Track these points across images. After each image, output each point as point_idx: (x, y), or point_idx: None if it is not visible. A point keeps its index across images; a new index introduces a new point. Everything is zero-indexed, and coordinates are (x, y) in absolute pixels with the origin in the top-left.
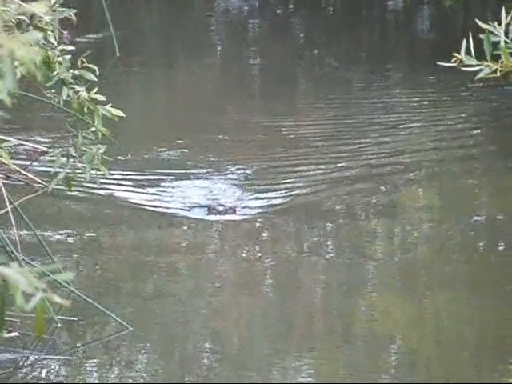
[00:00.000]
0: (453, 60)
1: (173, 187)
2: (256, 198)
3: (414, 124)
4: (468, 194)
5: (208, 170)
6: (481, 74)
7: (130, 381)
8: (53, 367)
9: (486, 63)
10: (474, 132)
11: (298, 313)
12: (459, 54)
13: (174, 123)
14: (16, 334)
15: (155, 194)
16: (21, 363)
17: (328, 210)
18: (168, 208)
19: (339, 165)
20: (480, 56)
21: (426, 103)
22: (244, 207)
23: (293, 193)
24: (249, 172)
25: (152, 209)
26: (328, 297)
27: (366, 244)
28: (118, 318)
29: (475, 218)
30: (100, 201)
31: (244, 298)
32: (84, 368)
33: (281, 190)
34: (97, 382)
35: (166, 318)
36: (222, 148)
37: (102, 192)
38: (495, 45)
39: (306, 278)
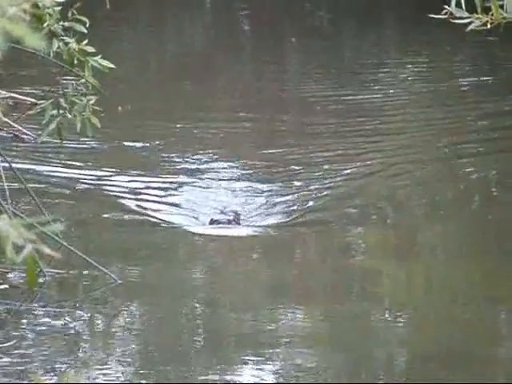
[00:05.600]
0: (443, 12)
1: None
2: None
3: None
4: (462, 155)
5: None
6: (471, 27)
7: (118, 332)
8: (42, 319)
9: (476, 16)
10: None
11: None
12: (449, 6)
13: (164, 74)
14: (6, 286)
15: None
16: (11, 315)
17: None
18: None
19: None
20: (471, 9)
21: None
22: (249, 217)
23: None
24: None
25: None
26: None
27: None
28: (107, 271)
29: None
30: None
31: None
32: (73, 320)
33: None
34: (86, 333)
35: (153, 271)
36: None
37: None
38: None
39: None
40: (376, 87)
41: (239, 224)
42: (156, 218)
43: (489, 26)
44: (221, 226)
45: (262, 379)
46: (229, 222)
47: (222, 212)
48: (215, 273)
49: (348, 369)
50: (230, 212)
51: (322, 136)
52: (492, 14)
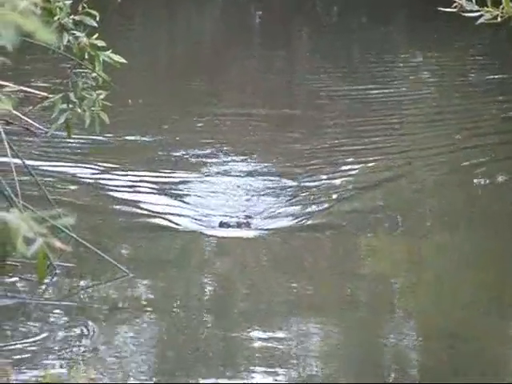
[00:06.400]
0: (453, 6)
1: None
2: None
3: None
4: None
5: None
6: (481, 20)
7: (129, 324)
8: (53, 312)
9: (486, 9)
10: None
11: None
12: None
13: (175, 68)
14: (16, 278)
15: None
16: (21, 308)
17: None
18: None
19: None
20: (481, 2)
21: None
22: (261, 219)
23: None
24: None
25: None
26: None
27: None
28: (118, 264)
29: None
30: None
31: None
32: (83, 313)
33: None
34: (97, 326)
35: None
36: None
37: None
38: None
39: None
40: (386, 82)
41: (249, 227)
42: (164, 217)
43: (499, 20)
44: (230, 229)
45: (272, 353)
46: (238, 225)
47: (231, 214)
48: (222, 275)
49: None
50: (240, 214)
51: (333, 131)
52: (503, 8)
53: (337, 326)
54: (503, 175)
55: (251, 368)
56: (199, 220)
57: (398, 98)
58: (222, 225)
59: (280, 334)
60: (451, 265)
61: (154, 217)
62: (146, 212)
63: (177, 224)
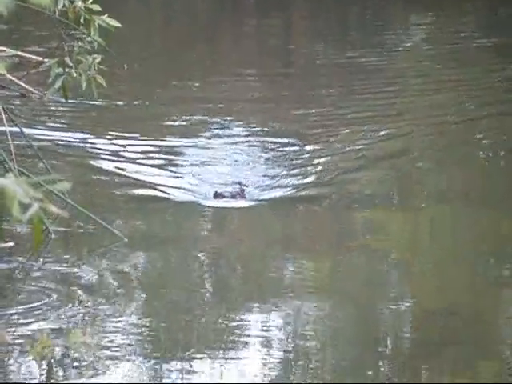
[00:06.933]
0: None
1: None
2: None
3: None
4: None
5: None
6: None
7: (125, 288)
8: (49, 276)
9: None
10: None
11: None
12: None
13: (171, 34)
14: (12, 244)
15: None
16: (17, 272)
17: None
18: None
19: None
20: None
21: None
22: (255, 190)
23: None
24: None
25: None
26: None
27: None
28: (113, 229)
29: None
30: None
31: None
32: (80, 277)
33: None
34: (93, 290)
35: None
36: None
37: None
38: None
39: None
40: (381, 50)
41: (244, 198)
42: (158, 187)
43: None
44: (225, 200)
45: (268, 327)
46: (233, 195)
47: (226, 184)
48: (220, 235)
49: (352, 319)
50: (235, 184)
51: (329, 99)
52: None
53: (330, 299)
54: (504, 150)
55: (245, 343)
56: (193, 191)
57: (393, 64)
58: (216, 195)
59: (274, 308)
60: (446, 205)
61: (147, 184)
62: (137, 182)
63: (170, 194)
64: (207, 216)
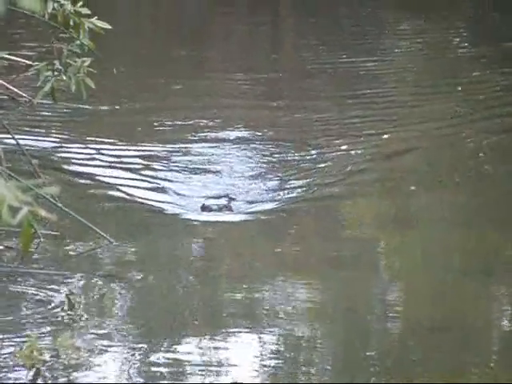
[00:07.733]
0: None
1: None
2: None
3: None
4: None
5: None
6: None
7: (113, 293)
8: (37, 280)
9: None
10: None
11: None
12: None
13: (161, 35)
14: (0, 247)
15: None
16: (5, 276)
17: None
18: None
19: None
20: None
21: None
22: (242, 204)
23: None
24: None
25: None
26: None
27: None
28: (101, 232)
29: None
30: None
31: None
32: (68, 281)
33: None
34: (81, 294)
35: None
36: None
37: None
38: None
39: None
40: (373, 55)
41: (232, 210)
42: (143, 198)
43: None
44: (212, 213)
45: (256, 348)
46: (220, 208)
47: (213, 196)
48: (206, 243)
49: (343, 340)
50: (223, 197)
51: (322, 106)
52: None
53: (321, 284)
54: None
55: (236, 326)
56: (180, 205)
57: (384, 69)
58: (204, 208)
59: (265, 294)
60: (439, 228)
61: (133, 194)
62: (123, 195)
63: (157, 206)
64: (194, 229)
